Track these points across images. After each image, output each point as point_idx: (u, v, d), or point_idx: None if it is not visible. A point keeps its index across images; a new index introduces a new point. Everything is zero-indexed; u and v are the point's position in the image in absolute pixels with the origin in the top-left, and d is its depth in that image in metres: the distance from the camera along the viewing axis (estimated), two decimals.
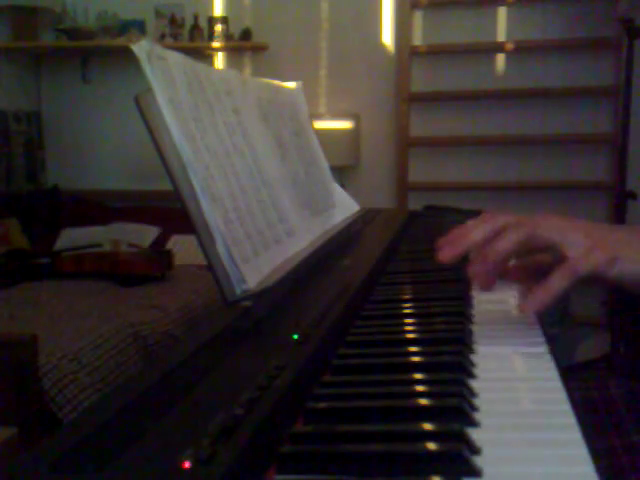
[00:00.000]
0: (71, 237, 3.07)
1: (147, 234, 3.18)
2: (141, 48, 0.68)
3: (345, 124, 3.43)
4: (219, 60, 3.76)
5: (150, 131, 0.66)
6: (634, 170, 3.09)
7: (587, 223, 0.72)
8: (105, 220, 3.24)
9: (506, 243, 0.64)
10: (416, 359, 0.63)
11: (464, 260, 0.72)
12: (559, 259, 0.64)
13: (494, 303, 0.81)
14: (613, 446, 0.69)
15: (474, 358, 0.62)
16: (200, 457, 0.39)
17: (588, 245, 0.63)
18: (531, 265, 0.71)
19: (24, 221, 3.30)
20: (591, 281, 0.64)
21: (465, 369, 0.59)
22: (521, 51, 3.43)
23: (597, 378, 0.80)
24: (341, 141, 3.40)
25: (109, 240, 2.93)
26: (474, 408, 0.52)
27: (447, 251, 0.66)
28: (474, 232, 0.66)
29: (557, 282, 0.62)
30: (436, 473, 0.43)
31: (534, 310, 0.62)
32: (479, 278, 0.65)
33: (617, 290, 0.65)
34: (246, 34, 3.57)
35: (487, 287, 0.67)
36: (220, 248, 0.68)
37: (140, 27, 3.64)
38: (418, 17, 3.54)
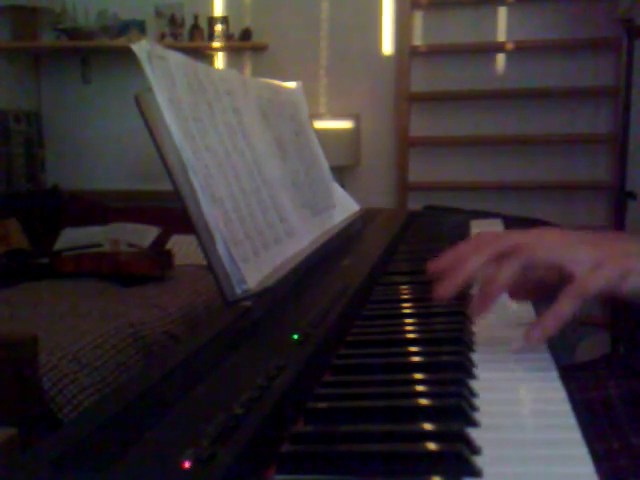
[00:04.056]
0: (71, 237, 3.06)
1: (147, 234, 3.18)
2: (141, 48, 0.68)
3: (345, 124, 3.43)
4: (219, 60, 3.76)
5: (150, 131, 0.66)
6: (634, 170, 3.09)
7: (592, 234, 0.64)
8: (105, 220, 3.24)
9: (505, 276, 0.58)
10: (416, 359, 0.63)
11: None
12: (566, 278, 0.58)
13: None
14: (612, 448, 0.69)
15: (474, 358, 0.62)
16: (200, 457, 0.39)
17: (595, 260, 0.57)
18: (532, 282, 0.65)
19: (24, 221, 3.29)
20: (602, 298, 0.58)
21: (465, 369, 0.59)
22: (521, 51, 3.43)
23: (597, 378, 0.80)
24: (341, 141, 3.40)
25: (109, 240, 2.92)
26: (474, 408, 0.52)
27: (444, 288, 0.60)
28: (469, 263, 0.60)
29: (565, 306, 0.56)
30: (436, 473, 0.43)
31: (543, 340, 0.57)
32: (480, 314, 0.60)
33: (631, 305, 0.60)
34: (246, 34, 3.57)
35: (485, 314, 0.62)
36: (220, 248, 0.68)
37: (140, 27, 3.64)
38: (418, 17, 3.54)
